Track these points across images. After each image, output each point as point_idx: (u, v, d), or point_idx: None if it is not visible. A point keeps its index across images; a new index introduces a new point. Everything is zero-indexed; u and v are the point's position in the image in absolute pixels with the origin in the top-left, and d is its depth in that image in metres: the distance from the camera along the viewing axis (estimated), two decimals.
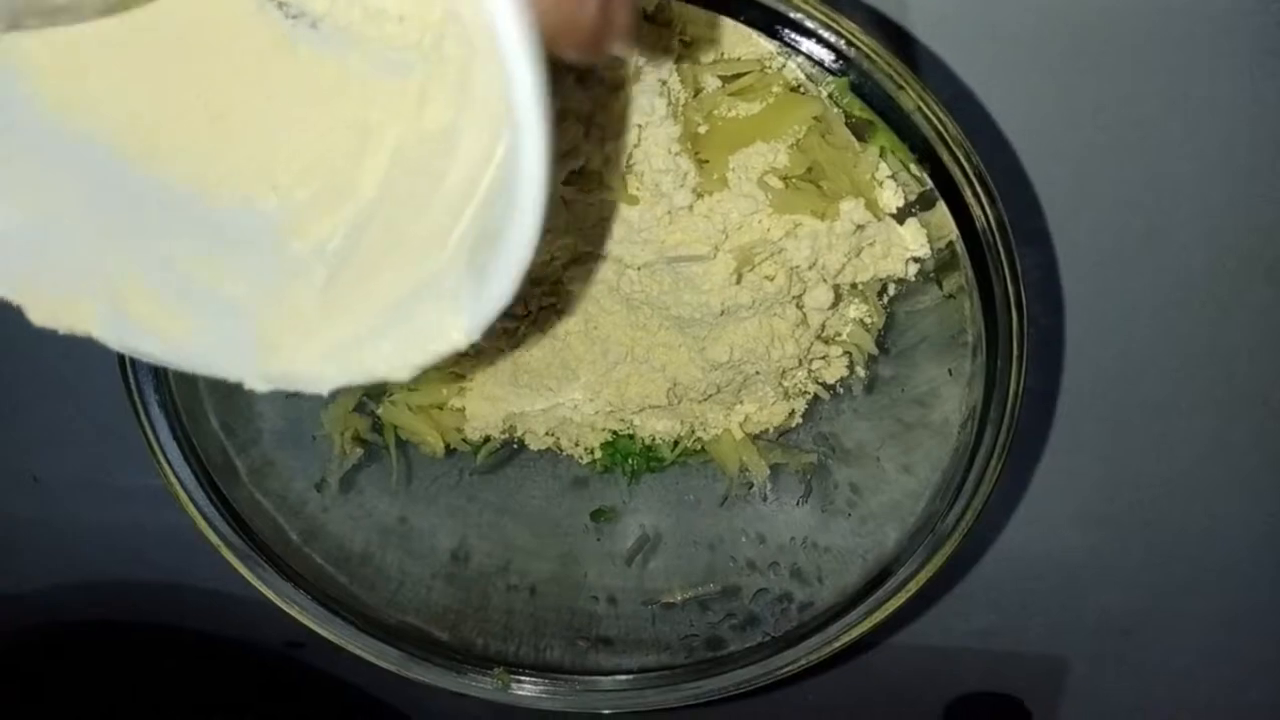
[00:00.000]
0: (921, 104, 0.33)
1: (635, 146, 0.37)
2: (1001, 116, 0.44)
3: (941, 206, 0.36)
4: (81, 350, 0.56)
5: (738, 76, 0.39)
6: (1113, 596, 0.60)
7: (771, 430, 0.49)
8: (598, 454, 0.51)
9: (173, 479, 0.41)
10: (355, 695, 0.69)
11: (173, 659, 0.68)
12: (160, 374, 0.40)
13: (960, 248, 0.35)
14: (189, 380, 0.41)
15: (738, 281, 0.40)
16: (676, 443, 0.50)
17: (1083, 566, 0.59)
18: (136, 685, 0.67)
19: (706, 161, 0.39)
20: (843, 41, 0.32)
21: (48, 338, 0.57)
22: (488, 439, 0.50)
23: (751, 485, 0.49)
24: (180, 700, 0.67)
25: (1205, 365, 0.51)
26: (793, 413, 0.49)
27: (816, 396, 0.48)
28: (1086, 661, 0.63)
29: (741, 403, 0.48)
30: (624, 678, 0.46)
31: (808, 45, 0.32)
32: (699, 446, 0.50)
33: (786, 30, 0.32)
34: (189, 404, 0.41)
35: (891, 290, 0.44)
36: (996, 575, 0.60)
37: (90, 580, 0.67)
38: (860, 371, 0.46)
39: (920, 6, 0.43)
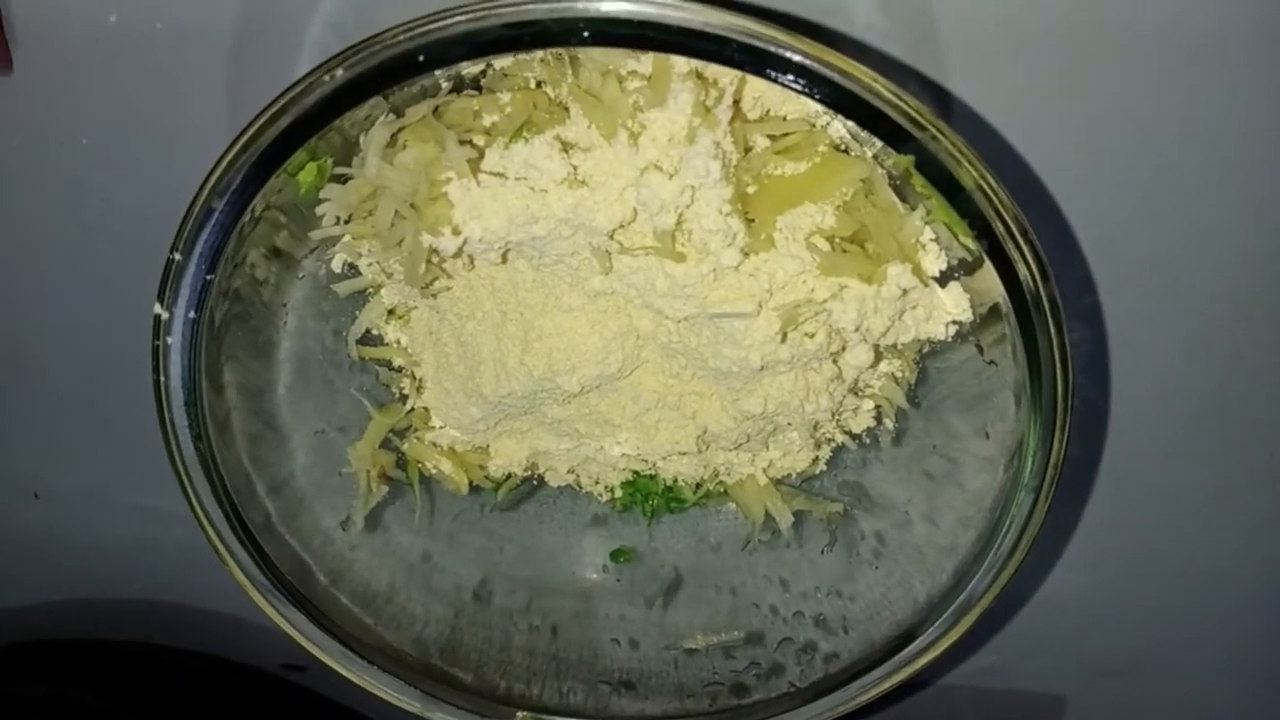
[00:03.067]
0: (981, 181, 0.33)
1: (687, 206, 0.37)
2: (1054, 187, 0.45)
3: (984, 272, 0.36)
4: (83, 366, 0.56)
5: (785, 135, 0.39)
6: (1111, 638, 0.61)
7: (794, 476, 0.49)
8: (618, 493, 0.51)
9: (205, 521, 0.41)
10: (350, 718, 0.68)
11: (169, 678, 0.67)
12: (194, 414, 0.40)
13: (1011, 322, 0.36)
14: (223, 418, 0.41)
15: (782, 340, 0.40)
16: (699, 485, 0.50)
17: (1082, 608, 0.60)
18: (131, 703, 0.66)
19: (754, 221, 0.39)
20: (911, 122, 0.32)
21: (50, 354, 0.56)
22: (509, 476, 0.50)
23: (775, 531, 0.49)
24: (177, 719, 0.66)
25: (1209, 414, 0.52)
26: (816, 459, 0.49)
27: (843, 445, 0.48)
28: (1084, 701, 0.64)
29: (767, 448, 0.48)
30: None
31: (876, 122, 0.32)
32: (721, 490, 0.50)
33: (856, 110, 0.32)
34: (223, 442, 0.41)
35: (925, 348, 0.44)
36: (997, 616, 0.60)
37: (87, 597, 0.66)
38: (889, 423, 0.47)
39: (963, 73, 0.43)
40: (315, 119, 0.33)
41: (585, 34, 0.32)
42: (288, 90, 0.33)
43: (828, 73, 0.31)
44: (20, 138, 0.49)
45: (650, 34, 0.31)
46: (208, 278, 0.36)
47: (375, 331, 0.47)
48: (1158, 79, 0.44)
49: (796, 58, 0.31)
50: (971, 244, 0.35)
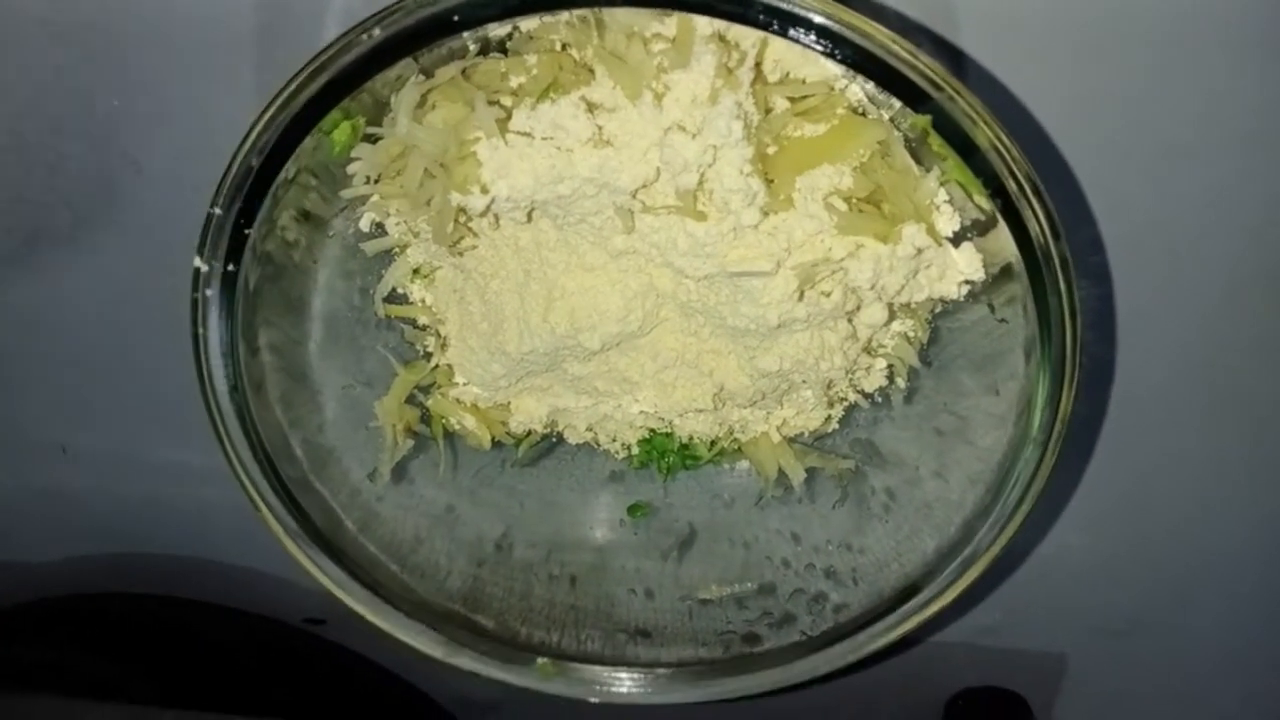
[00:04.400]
0: (996, 141, 0.35)
1: (709, 166, 0.38)
2: (1067, 149, 0.46)
3: (996, 232, 0.38)
4: (111, 326, 0.57)
5: (805, 97, 0.40)
6: (1113, 597, 0.63)
7: (807, 434, 0.51)
8: (635, 450, 0.52)
9: (241, 471, 0.42)
10: (373, 670, 0.70)
11: (192, 631, 0.69)
12: (231, 366, 0.41)
13: (1024, 280, 0.37)
14: (257, 374, 0.42)
15: (800, 298, 0.41)
16: (714, 443, 0.52)
17: (1084, 568, 0.61)
18: (156, 656, 0.68)
19: (773, 181, 0.40)
20: (929, 83, 0.33)
21: (78, 310, 0.58)
22: (530, 433, 0.52)
23: (788, 487, 0.50)
24: (201, 671, 0.68)
25: (1213, 375, 0.53)
26: (829, 418, 0.50)
27: (855, 404, 0.50)
28: (1085, 659, 0.65)
29: (781, 407, 0.50)
30: (662, 670, 0.47)
31: (895, 83, 0.33)
32: (735, 447, 0.52)
33: (876, 70, 0.33)
34: (257, 396, 0.42)
35: (937, 307, 0.46)
36: (1000, 574, 0.62)
37: (114, 552, 0.68)
38: (900, 382, 0.48)
39: (981, 36, 0.44)
40: (351, 78, 0.35)
41: None
42: (325, 49, 0.34)
43: (848, 33, 0.32)
44: (55, 101, 0.50)
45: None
46: (246, 233, 0.37)
47: (401, 290, 0.48)
48: (1172, 46, 0.44)
49: (818, 19, 0.32)
50: (985, 203, 0.36)
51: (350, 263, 0.46)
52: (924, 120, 0.34)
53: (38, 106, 0.51)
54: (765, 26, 0.33)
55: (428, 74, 0.39)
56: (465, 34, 0.39)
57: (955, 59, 0.45)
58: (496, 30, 0.39)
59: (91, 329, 0.59)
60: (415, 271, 0.49)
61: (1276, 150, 0.47)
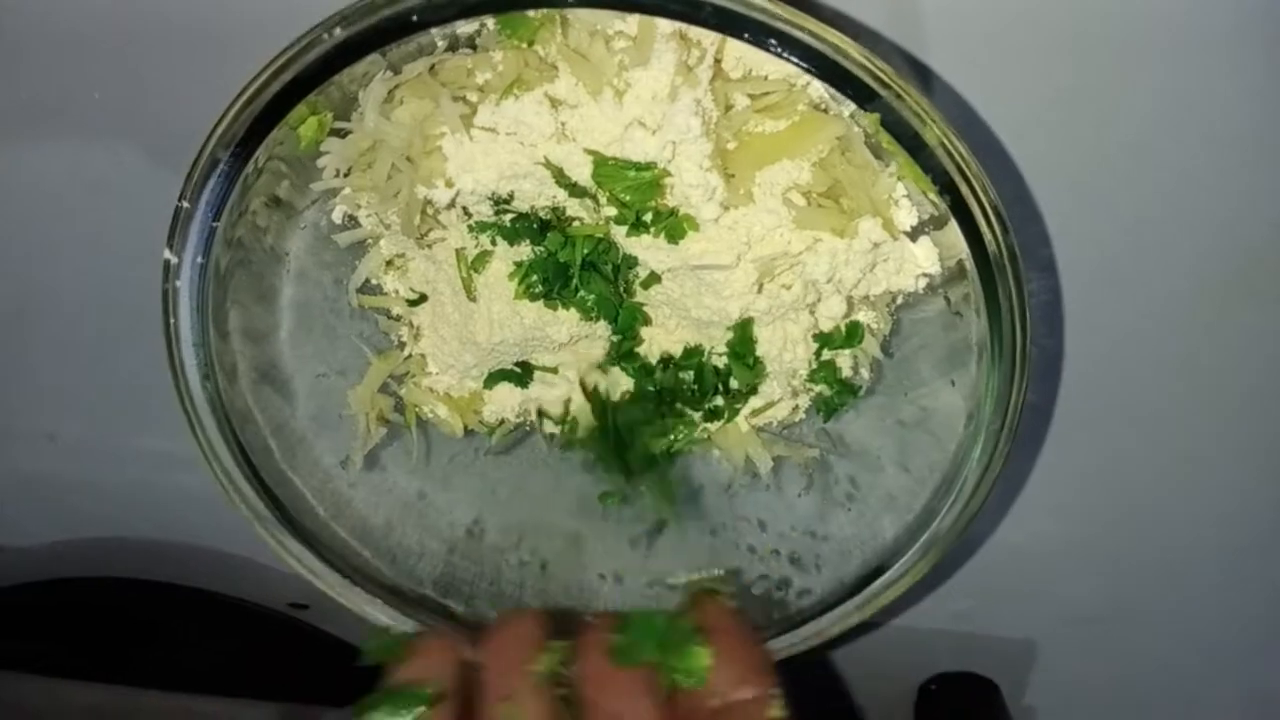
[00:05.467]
0: (944, 138, 0.35)
1: (669, 162, 0.39)
2: (1017, 152, 0.46)
3: (953, 227, 0.38)
4: (96, 316, 0.58)
5: (765, 94, 0.41)
6: (1083, 586, 0.64)
7: (775, 423, 0.52)
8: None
9: (211, 458, 0.43)
10: (354, 653, 0.71)
11: (179, 616, 0.70)
12: (202, 354, 0.42)
13: (972, 271, 0.38)
14: (229, 362, 0.43)
15: (758, 291, 0.42)
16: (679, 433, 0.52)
17: (1056, 557, 0.62)
18: (140, 640, 0.69)
19: (734, 176, 0.41)
20: (875, 80, 0.34)
21: (64, 298, 0.58)
22: (503, 421, 0.52)
23: (755, 475, 0.51)
24: (184, 655, 0.69)
25: (1182, 375, 0.54)
26: (797, 408, 0.51)
27: (820, 394, 0.50)
28: (1055, 645, 0.66)
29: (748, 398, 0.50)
30: None
31: (843, 81, 0.34)
32: (705, 436, 0.53)
33: (823, 68, 0.34)
34: (229, 384, 0.43)
35: (899, 300, 0.46)
36: (973, 562, 0.63)
37: (99, 537, 0.69)
38: (864, 373, 0.49)
39: (939, 44, 0.45)
40: (315, 75, 0.35)
41: None
42: (289, 47, 0.35)
43: (798, 34, 0.33)
44: (28, 92, 0.51)
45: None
46: (213, 225, 0.38)
47: (374, 281, 0.49)
48: (1122, 49, 0.45)
49: (768, 20, 0.33)
50: (935, 198, 0.36)
51: (324, 253, 0.47)
52: (873, 118, 0.35)
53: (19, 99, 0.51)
54: (716, 28, 0.33)
55: (395, 69, 0.40)
56: (433, 31, 0.40)
57: (922, 73, 0.46)
58: (464, 27, 0.40)
59: (76, 319, 0.60)
60: (388, 263, 0.49)
61: (1223, 148, 0.47)
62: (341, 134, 0.41)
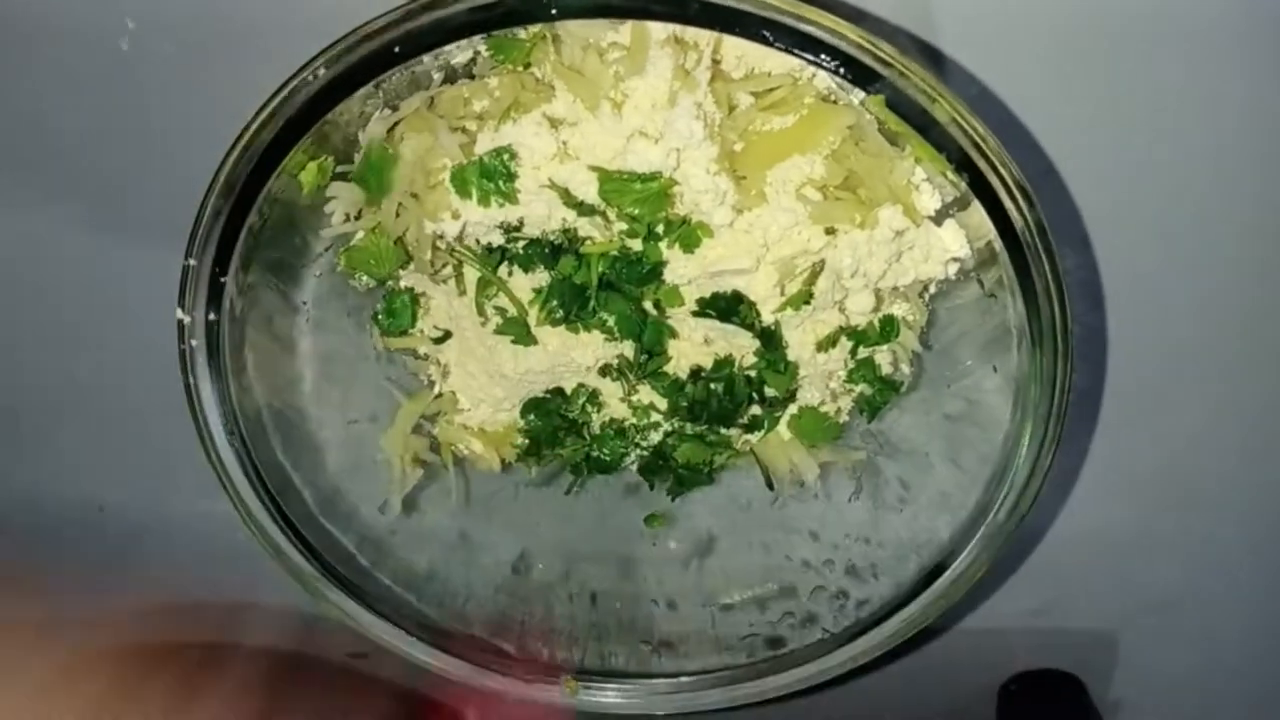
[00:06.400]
0: (955, 114, 0.34)
1: (675, 170, 0.38)
2: (1036, 128, 0.45)
3: (977, 207, 0.37)
4: (136, 378, 0.58)
5: (770, 91, 0.40)
6: (1157, 571, 0.61)
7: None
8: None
9: (245, 515, 0.43)
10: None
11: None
12: (225, 411, 0.41)
13: (1001, 251, 0.36)
14: (254, 418, 0.42)
15: (781, 292, 0.40)
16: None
17: (1129, 543, 0.60)
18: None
19: (744, 178, 0.40)
20: (876, 60, 0.33)
21: (107, 371, 0.59)
22: None
23: (802, 484, 0.49)
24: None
25: (1238, 341, 0.52)
26: (839, 410, 0.50)
27: (862, 393, 0.49)
28: (1137, 635, 0.64)
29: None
30: (687, 679, 0.47)
31: (842, 65, 0.33)
32: (747, 449, 0.51)
33: (821, 53, 0.33)
34: (257, 440, 0.42)
35: (932, 288, 0.45)
36: (1044, 555, 0.60)
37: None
38: (905, 368, 0.47)
39: (949, 24, 0.44)
40: (305, 117, 0.35)
41: (553, 10, 0.33)
42: (276, 93, 0.35)
43: (790, 21, 0.32)
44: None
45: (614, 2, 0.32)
46: (221, 280, 0.38)
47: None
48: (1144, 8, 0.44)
49: (756, 10, 0.32)
50: (953, 177, 0.35)
51: (342, 299, 0.47)
52: (877, 100, 0.34)
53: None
54: (705, 23, 0.32)
55: (393, 107, 0.40)
56: (427, 62, 0.39)
57: (933, 57, 0.45)
58: (458, 58, 0.40)
59: (122, 390, 0.60)
60: (413, 301, 0.49)
61: (1256, 106, 0.45)
62: (346, 177, 0.41)
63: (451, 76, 0.41)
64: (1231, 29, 0.43)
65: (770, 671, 0.46)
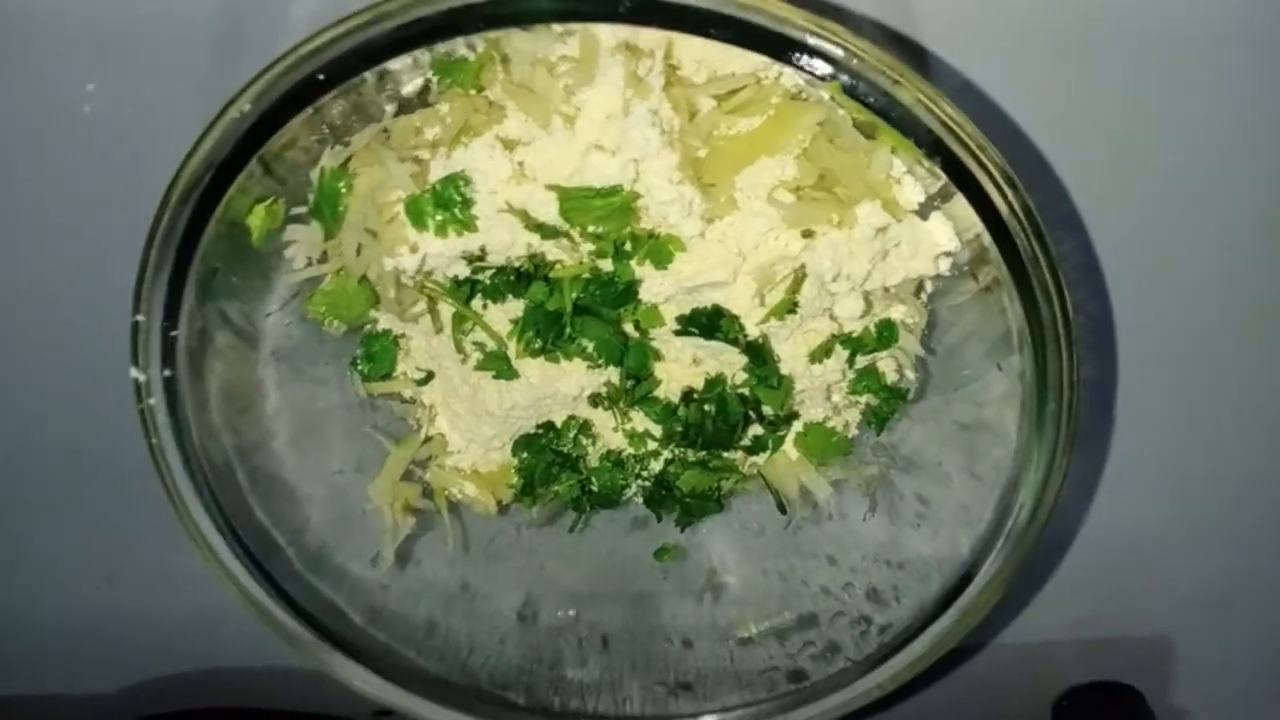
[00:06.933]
0: (922, 96, 0.31)
1: (635, 181, 0.36)
2: (1018, 113, 0.43)
3: (962, 197, 0.34)
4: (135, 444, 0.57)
5: (733, 93, 0.38)
6: (1205, 567, 0.58)
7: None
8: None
9: (226, 580, 0.41)
10: None
11: None
12: (193, 470, 0.40)
13: (988, 239, 0.33)
14: (227, 476, 0.41)
15: (761, 303, 0.38)
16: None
17: (1168, 540, 0.57)
18: None
19: (712, 185, 0.38)
20: (830, 45, 0.30)
21: (107, 440, 0.58)
22: None
23: (815, 505, 0.47)
24: None
25: (1250, 318, 0.49)
26: (846, 424, 0.47)
27: (868, 405, 0.46)
28: (1192, 637, 0.60)
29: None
30: (709, 719, 0.44)
31: (794, 55, 0.31)
32: (754, 472, 0.49)
33: (771, 43, 0.30)
34: (231, 499, 0.41)
35: (929, 287, 0.42)
36: (1086, 562, 0.57)
37: (168, 673, 0.67)
38: (909, 374, 0.45)
39: (927, 17, 0.41)
40: (236, 156, 0.33)
41: (480, 22, 0.31)
42: (206, 131, 0.33)
43: (729, 11, 0.30)
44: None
45: (543, 6, 0.30)
46: (172, 334, 0.36)
47: None
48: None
49: (690, 1, 0.30)
50: (927, 164, 0.33)
51: (316, 346, 0.45)
52: (835, 86, 0.31)
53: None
54: (635, 20, 0.30)
55: (344, 143, 0.38)
56: (375, 94, 0.38)
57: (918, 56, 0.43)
58: (409, 87, 0.38)
59: (124, 462, 0.59)
60: (394, 343, 0.47)
61: (1237, 95, 0.43)
62: (302, 219, 0.39)
63: (406, 107, 0.39)
64: (1210, 14, 0.41)
65: (793, 705, 0.44)
